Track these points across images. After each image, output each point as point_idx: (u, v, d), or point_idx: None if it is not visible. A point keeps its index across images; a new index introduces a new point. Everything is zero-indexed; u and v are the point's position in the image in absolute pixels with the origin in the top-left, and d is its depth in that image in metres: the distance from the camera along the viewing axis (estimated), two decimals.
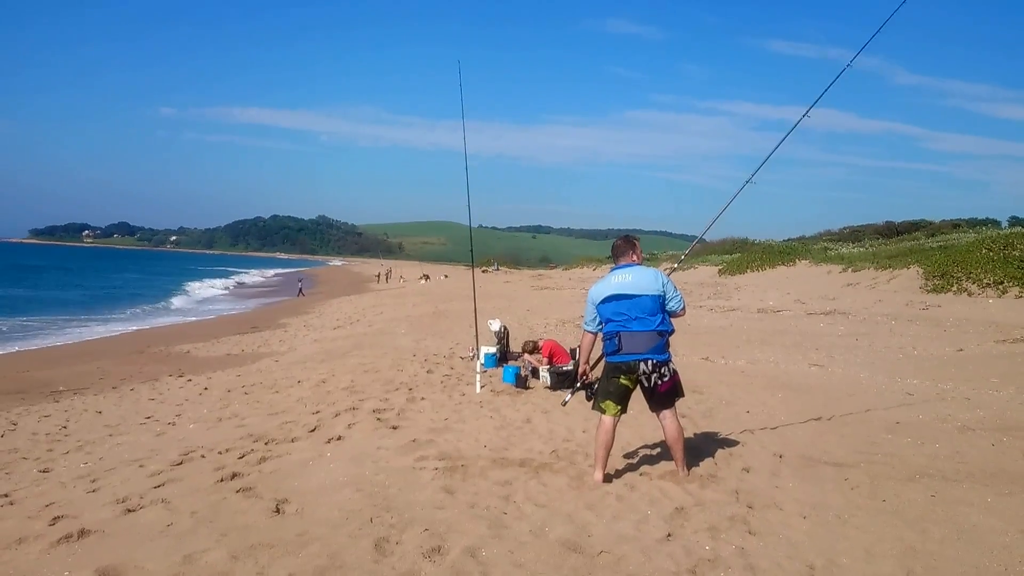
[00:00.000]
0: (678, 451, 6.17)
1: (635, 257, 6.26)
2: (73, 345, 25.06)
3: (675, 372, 6.07)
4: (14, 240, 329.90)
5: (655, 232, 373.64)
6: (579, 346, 6.52)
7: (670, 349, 6.08)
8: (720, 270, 39.92)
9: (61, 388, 15.01)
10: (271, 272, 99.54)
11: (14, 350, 23.72)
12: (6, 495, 7.02)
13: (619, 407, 6.09)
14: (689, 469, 6.21)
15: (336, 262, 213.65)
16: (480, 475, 6.22)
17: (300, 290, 52.35)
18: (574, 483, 6.00)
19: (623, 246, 6.32)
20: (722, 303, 27.03)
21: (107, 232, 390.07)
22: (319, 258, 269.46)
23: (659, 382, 5.96)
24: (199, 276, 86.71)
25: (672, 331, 6.07)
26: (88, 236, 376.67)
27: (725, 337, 18.05)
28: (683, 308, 6.16)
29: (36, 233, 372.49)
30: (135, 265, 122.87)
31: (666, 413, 6.11)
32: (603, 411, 6.08)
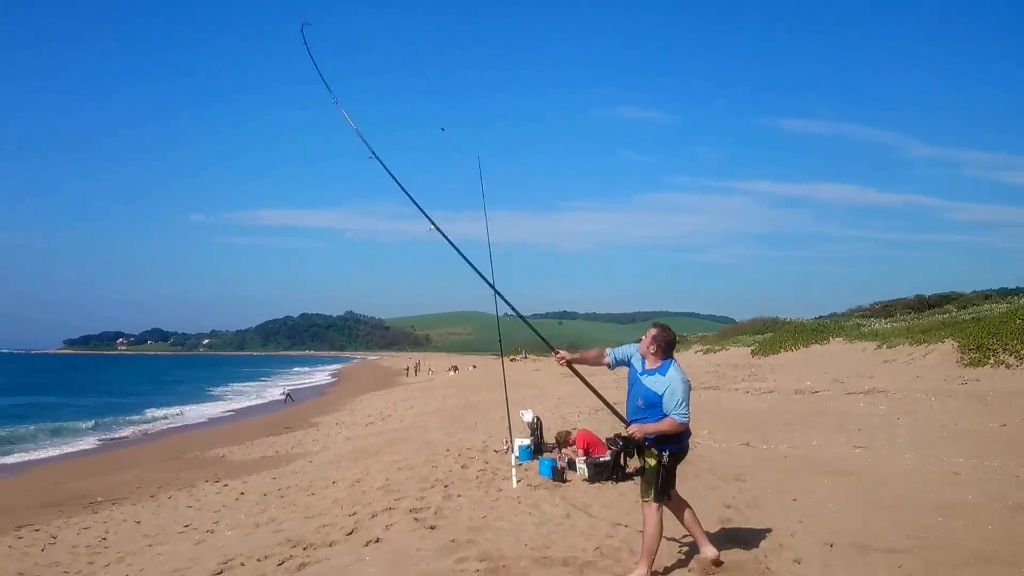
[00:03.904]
0: (698, 530, 6.20)
1: None
2: (109, 453, 25.17)
3: None
4: (49, 351, 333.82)
5: (682, 314, 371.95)
6: (657, 429, 6.02)
7: None
8: (753, 351, 39.44)
9: (99, 499, 15.01)
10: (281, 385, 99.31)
11: (49, 460, 23.91)
12: None
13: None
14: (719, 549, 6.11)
15: (368, 356, 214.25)
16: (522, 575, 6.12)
17: (287, 396, 48.83)
18: None
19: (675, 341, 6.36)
20: (758, 385, 26.66)
21: (141, 339, 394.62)
22: (348, 354, 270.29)
23: None
24: (226, 381, 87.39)
25: None
26: (122, 344, 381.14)
27: (764, 420, 17.77)
28: None
29: (70, 343, 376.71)
30: (167, 370, 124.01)
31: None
32: (664, 495, 5.99)
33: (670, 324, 6.62)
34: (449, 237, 7.46)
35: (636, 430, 5.95)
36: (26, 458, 24.67)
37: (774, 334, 43.02)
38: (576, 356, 6.51)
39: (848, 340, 35.31)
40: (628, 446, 6.09)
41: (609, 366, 6.41)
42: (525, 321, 7.28)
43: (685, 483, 9.46)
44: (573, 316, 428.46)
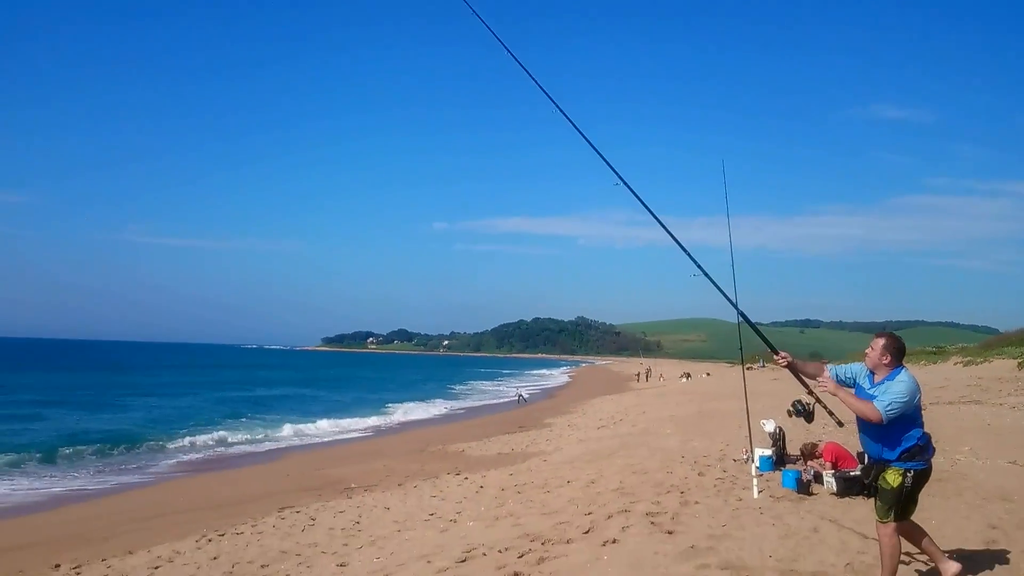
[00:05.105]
0: (935, 550, 5.87)
1: None
2: (361, 444, 27.11)
3: None
4: (309, 348, 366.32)
5: (940, 323, 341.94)
6: (850, 403, 5.67)
7: None
8: (1020, 363, 35.65)
9: (353, 485, 16.15)
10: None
11: (308, 447, 26.15)
12: None
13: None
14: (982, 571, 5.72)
15: (597, 361, 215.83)
16: None
17: (520, 397, 50.80)
18: None
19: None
20: None
21: (388, 339, 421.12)
22: (578, 358, 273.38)
23: None
24: (470, 378, 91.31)
25: None
26: (372, 343, 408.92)
27: None
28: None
29: (327, 341, 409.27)
30: (412, 368, 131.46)
31: None
32: (904, 517, 5.64)
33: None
34: (683, 244, 7.19)
35: (828, 384, 5.72)
36: (287, 445, 27.20)
37: None
38: (796, 362, 6.12)
39: None
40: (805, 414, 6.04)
41: None
42: (749, 323, 6.91)
43: (946, 501, 8.69)
44: (816, 324, 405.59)
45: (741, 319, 6.95)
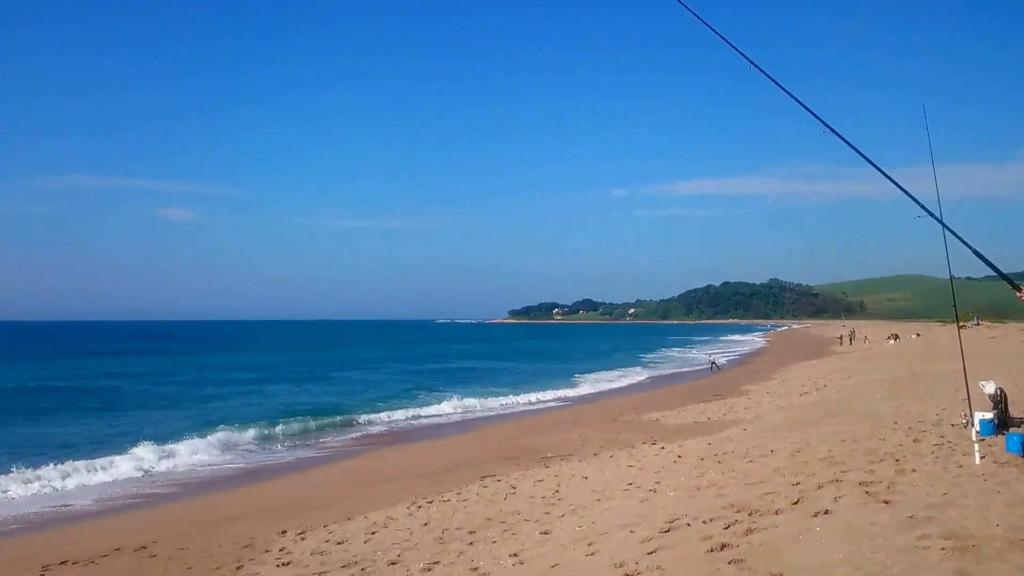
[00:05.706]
0: None
1: None
2: (553, 414, 27.59)
3: None
4: (496, 321, 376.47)
5: None
6: None
7: None
8: None
9: (549, 454, 16.49)
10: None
11: (499, 418, 26.94)
12: (515, 555, 7.84)
13: None
14: None
15: (793, 325, 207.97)
16: (997, 558, 5.48)
17: (713, 364, 49.71)
18: None
19: None
20: None
21: (573, 309, 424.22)
22: (773, 322, 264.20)
23: None
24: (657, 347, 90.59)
25: None
26: (557, 313, 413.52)
27: None
28: None
29: (514, 313, 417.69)
30: (599, 338, 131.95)
31: None
32: None
33: None
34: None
35: None
36: (482, 415, 28.24)
37: None
38: None
39: None
40: None
41: None
42: (976, 252, 6.32)
43: None
44: None
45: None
